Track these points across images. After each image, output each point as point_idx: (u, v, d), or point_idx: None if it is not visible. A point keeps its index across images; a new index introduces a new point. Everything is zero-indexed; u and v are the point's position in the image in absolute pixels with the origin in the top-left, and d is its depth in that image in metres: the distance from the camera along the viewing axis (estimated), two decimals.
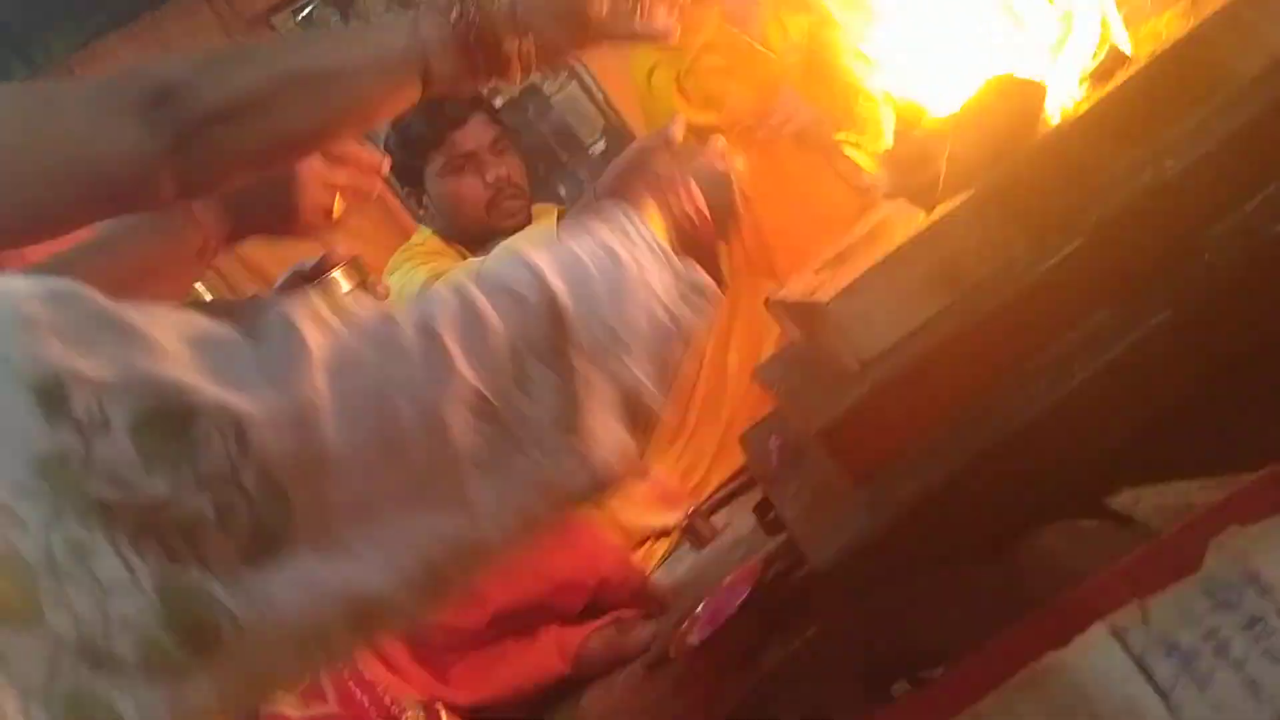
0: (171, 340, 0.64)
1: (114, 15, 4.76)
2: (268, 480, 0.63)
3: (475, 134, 2.34)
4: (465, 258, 2.33)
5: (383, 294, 1.44)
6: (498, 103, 4.87)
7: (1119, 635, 0.40)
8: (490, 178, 2.32)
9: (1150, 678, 0.39)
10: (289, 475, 0.64)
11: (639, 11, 1.10)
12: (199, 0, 4.83)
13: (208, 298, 4.56)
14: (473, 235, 2.38)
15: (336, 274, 1.35)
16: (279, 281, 1.42)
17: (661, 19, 1.12)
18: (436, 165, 2.34)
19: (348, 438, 0.67)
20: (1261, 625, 0.39)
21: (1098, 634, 0.41)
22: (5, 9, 4.20)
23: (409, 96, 1.05)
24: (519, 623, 1.62)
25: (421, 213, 2.46)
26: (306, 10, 4.93)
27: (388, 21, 1.15)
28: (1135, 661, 0.40)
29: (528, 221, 2.41)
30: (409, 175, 2.41)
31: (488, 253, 2.35)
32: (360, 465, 0.67)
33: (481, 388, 0.74)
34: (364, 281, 1.38)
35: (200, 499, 0.60)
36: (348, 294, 1.35)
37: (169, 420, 0.61)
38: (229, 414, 0.63)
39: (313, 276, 1.36)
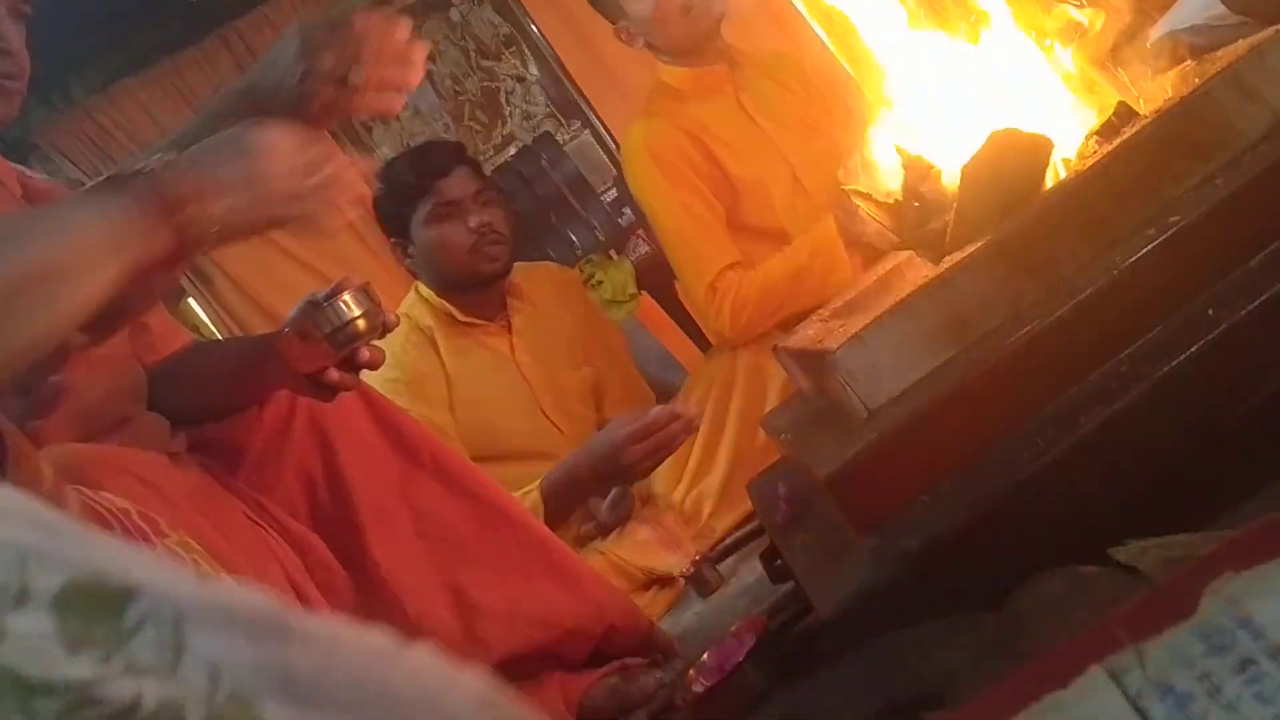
0: None
1: (133, 59, 4.83)
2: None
3: (459, 184, 2.42)
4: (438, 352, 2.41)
5: (393, 324, 1.46)
6: (512, 150, 4.94)
7: (1116, 677, 0.41)
8: (473, 224, 2.40)
9: (1146, 718, 0.40)
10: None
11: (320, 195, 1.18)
12: (217, 45, 4.91)
13: (217, 335, 4.60)
14: (457, 281, 2.45)
15: (346, 298, 1.37)
16: (292, 314, 1.44)
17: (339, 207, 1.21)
18: (422, 213, 2.42)
19: None
20: (1254, 668, 0.39)
21: (1096, 676, 0.41)
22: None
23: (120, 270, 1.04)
24: (523, 670, 1.62)
25: (407, 261, 2.52)
26: None
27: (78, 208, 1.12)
28: (1132, 703, 0.40)
29: (509, 267, 2.48)
30: (395, 224, 2.48)
31: (469, 302, 2.44)
32: None
33: None
34: (373, 308, 1.40)
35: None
36: (358, 318, 1.37)
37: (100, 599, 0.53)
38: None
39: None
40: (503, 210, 2.49)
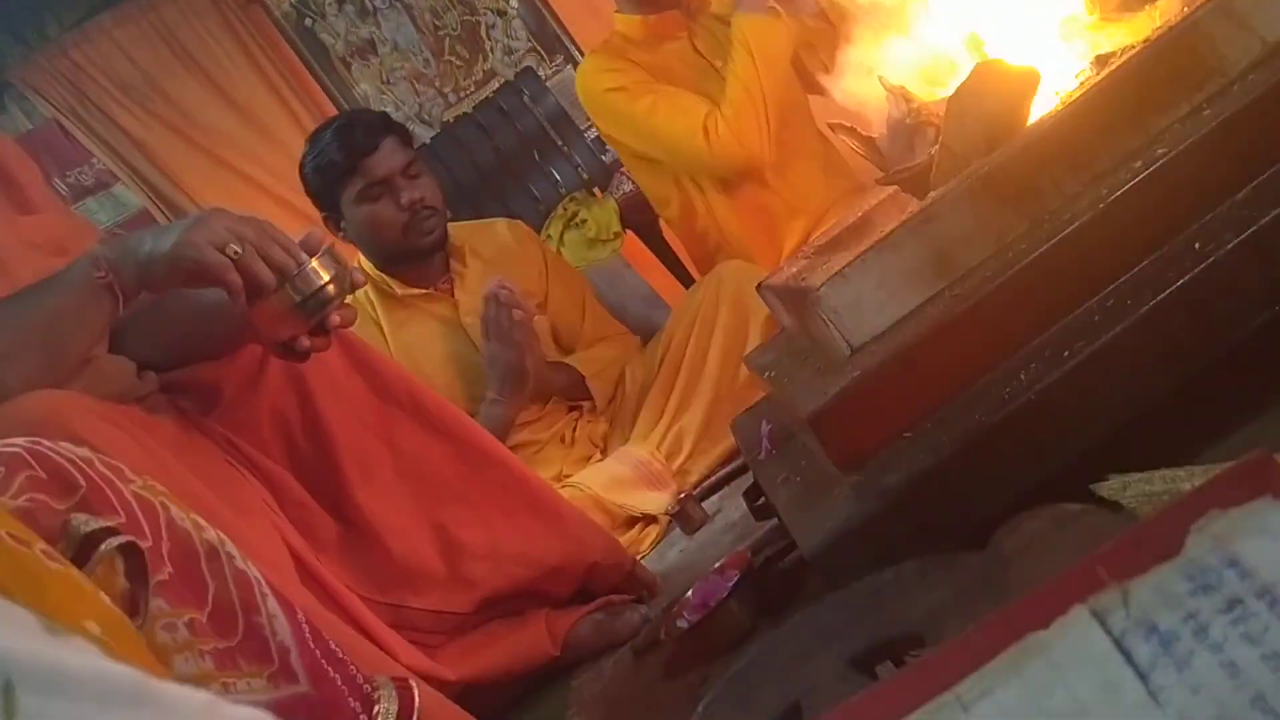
0: None
1: None
2: None
3: (387, 160, 2.38)
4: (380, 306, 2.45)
5: (360, 282, 1.45)
6: (494, 85, 4.87)
7: (1099, 617, 0.40)
8: (404, 201, 2.38)
9: (1130, 659, 0.39)
10: None
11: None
12: None
13: None
14: (392, 255, 2.45)
15: (314, 264, 1.35)
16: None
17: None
18: (352, 192, 2.39)
19: None
20: (1241, 608, 0.39)
21: (1078, 616, 0.41)
22: None
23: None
24: (508, 608, 1.62)
25: (340, 235, 2.49)
26: None
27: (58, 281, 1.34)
28: (1115, 643, 0.40)
29: (444, 237, 2.48)
30: (326, 200, 2.45)
31: (408, 273, 2.47)
32: None
33: None
34: (341, 270, 1.38)
35: None
36: (328, 284, 1.35)
37: None
38: None
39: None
40: (432, 179, 2.47)
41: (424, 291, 2.48)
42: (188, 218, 1.37)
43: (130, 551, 0.92)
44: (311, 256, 1.35)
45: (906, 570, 0.83)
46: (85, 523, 0.91)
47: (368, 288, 2.44)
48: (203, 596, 1.00)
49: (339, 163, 2.37)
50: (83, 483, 0.97)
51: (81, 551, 0.89)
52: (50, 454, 1.00)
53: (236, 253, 1.31)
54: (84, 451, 1.03)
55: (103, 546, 0.89)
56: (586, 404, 2.49)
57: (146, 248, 1.33)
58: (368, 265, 2.48)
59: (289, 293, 1.34)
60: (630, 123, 2.60)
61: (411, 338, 2.44)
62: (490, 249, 2.60)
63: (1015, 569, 0.73)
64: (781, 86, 2.49)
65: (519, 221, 2.84)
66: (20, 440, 1.00)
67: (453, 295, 2.50)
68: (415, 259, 2.45)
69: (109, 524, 0.93)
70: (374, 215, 2.39)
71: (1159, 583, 0.40)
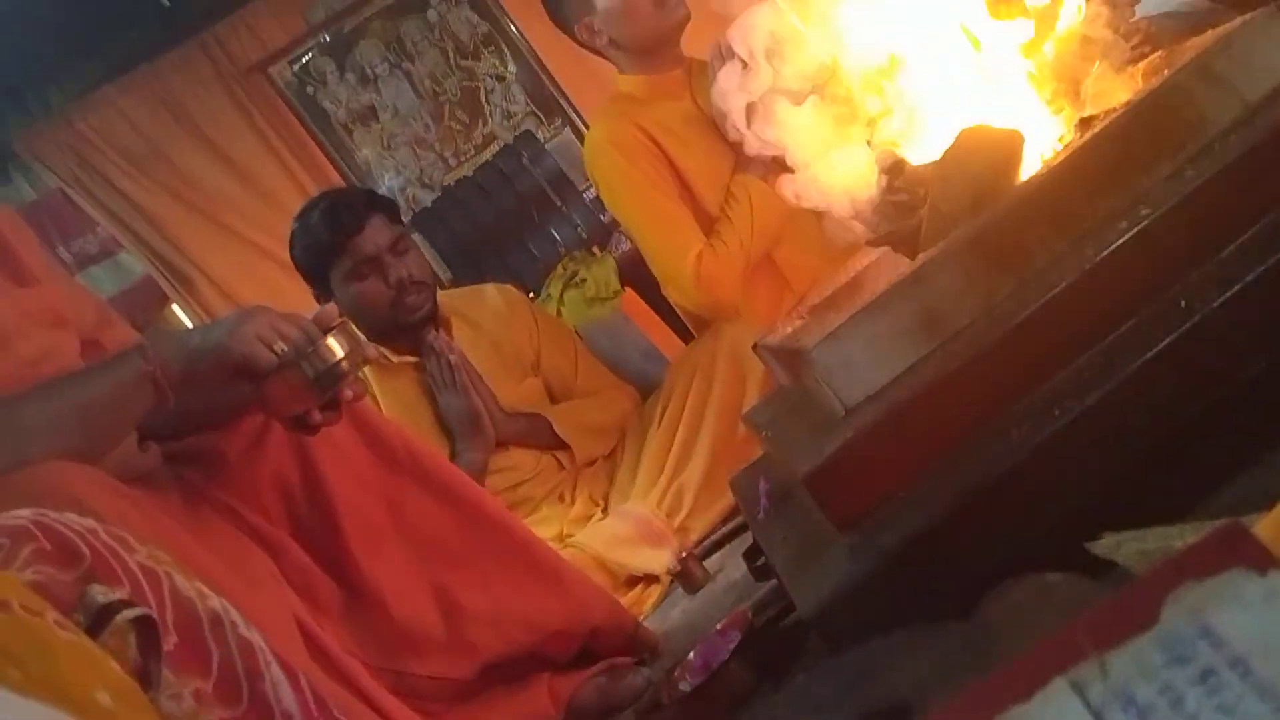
0: None
1: (111, 66, 4.81)
2: None
3: (374, 238, 2.40)
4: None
5: (373, 356, 1.46)
6: (494, 148, 4.93)
7: (1079, 689, 0.41)
8: (392, 279, 2.40)
9: None
10: None
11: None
12: (196, 51, 4.89)
13: None
14: (382, 330, 2.45)
15: (328, 341, 1.37)
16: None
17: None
18: (341, 271, 2.42)
19: None
20: (1214, 679, 0.39)
21: (1058, 688, 0.41)
22: (4, 61, 4.25)
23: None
24: (510, 672, 1.62)
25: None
26: (304, 60, 4.99)
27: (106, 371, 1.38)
28: (1094, 715, 0.40)
29: (434, 309, 2.50)
30: (315, 278, 2.48)
31: (400, 342, 2.49)
32: None
33: None
34: (354, 346, 1.39)
35: None
36: (341, 360, 1.37)
37: None
38: None
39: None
40: (419, 254, 2.51)
41: (415, 360, 2.50)
42: (232, 314, 1.41)
43: (144, 624, 0.93)
44: (325, 332, 1.37)
45: (895, 639, 0.83)
46: (103, 593, 0.92)
47: None
48: (207, 665, 1.01)
49: (327, 243, 2.40)
50: (88, 553, 0.98)
51: (96, 622, 0.90)
52: (55, 525, 1.01)
53: (283, 351, 1.35)
54: (89, 522, 1.03)
55: (117, 618, 0.90)
56: (568, 456, 2.50)
57: (195, 342, 1.37)
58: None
59: (303, 369, 1.36)
60: (625, 216, 2.64)
61: (403, 405, 2.45)
62: (479, 314, 2.62)
63: (1000, 637, 0.74)
64: (772, 240, 2.50)
65: (508, 286, 2.87)
66: (26, 512, 1.01)
67: None
68: (404, 332, 2.47)
69: (125, 596, 0.94)
70: (362, 293, 2.41)
71: (1136, 654, 0.41)
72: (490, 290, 2.75)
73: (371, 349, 1.45)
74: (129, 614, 0.92)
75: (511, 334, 2.61)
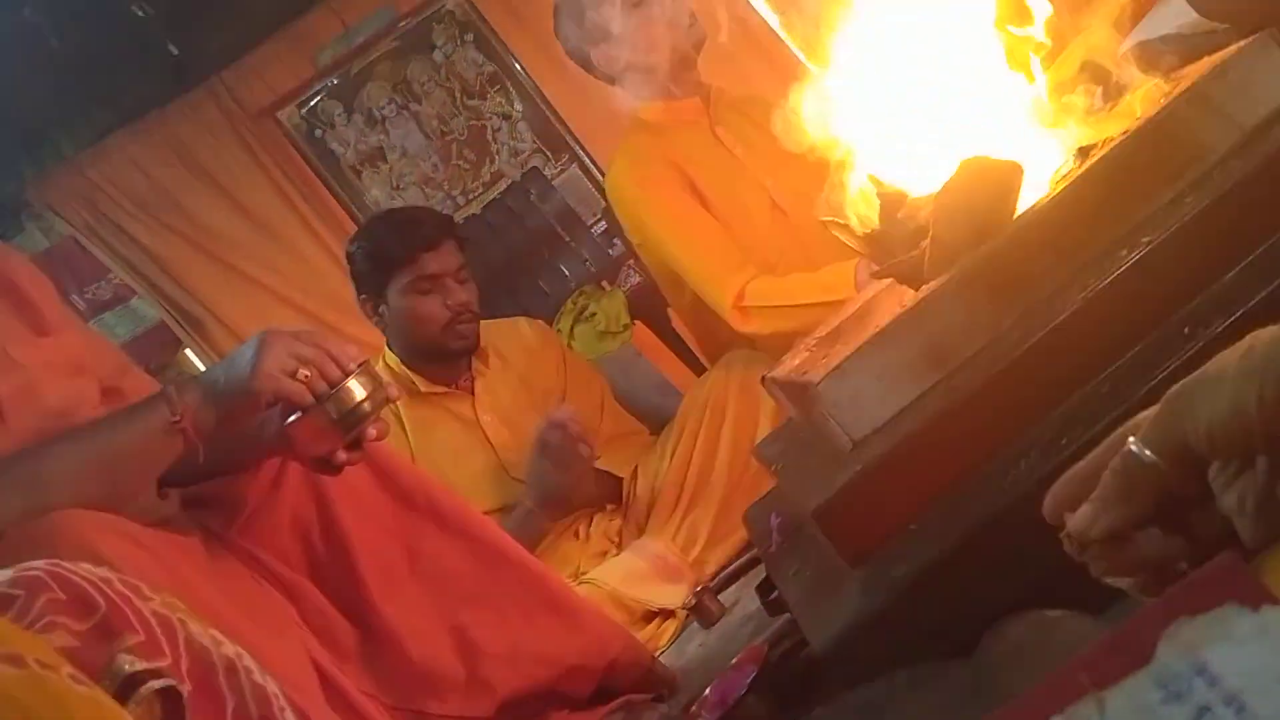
0: None
1: (121, 113, 4.85)
2: None
3: (443, 259, 2.46)
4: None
5: (395, 396, 1.48)
6: (502, 186, 4.96)
7: None
8: (452, 303, 2.46)
9: None
10: None
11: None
12: (205, 97, 4.93)
13: None
14: (423, 351, 2.50)
15: (351, 383, 1.39)
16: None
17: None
18: (402, 282, 2.45)
19: None
20: (1209, 715, 0.40)
21: None
22: (14, 108, 4.29)
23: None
24: (528, 710, 1.62)
25: (375, 319, 2.56)
26: (312, 104, 5.03)
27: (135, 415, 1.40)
28: None
29: (477, 343, 2.54)
30: (371, 284, 2.51)
31: (433, 370, 2.52)
32: None
33: None
34: (377, 386, 1.41)
35: None
36: (364, 400, 1.39)
37: None
38: None
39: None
40: (475, 288, 2.54)
41: (445, 390, 2.51)
42: (247, 345, 1.41)
43: (170, 695, 0.94)
44: (347, 374, 1.39)
45: (898, 680, 0.83)
46: (131, 663, 0.93)
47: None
48: (221, 712, 1.02)
49: (397, 251, 2.45)
50: (102, 603, 0.99)
51: (123, 691, 0.91)
52: (70, 575, 1.02)
53: (306, 377, 1.37)
54: (103, 571, 1.04)
55: (143, 688, 0.91)
56: (611, 505, 2.51)
57: (221, 384, 1.39)
58: (392, 360, 2.53)
59: (327, 410, 1.38)
60: (657, 246, 2.62)
61: (431, 435, 2.48)
62: (511, 347, 2.65)
63: (1001, 676, 0.74)
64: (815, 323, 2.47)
65: (539, 321, 2.91)
66: (40, 563, 1.02)
67: (472, 393, 2.55)
68: (444, 358, 2.51)
69: (154, 666, 0.95)
70: (418, 309, 2.45)
71: (1132, 691, 0.41)
72: (523, 324, 2.80)
73: (394, 389, 1.47)
74: (154, 685, 0.93)
75: (540, 369, 2.64)
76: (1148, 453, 0.62)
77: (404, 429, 2.46)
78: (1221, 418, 0.59)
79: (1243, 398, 0.58)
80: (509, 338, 2.68)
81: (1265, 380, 0.57)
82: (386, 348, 2.58)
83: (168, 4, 4.42)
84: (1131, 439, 0.64)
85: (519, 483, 2.44)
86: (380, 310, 2.51)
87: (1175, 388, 0.63)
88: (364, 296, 2.54)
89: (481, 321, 2.64)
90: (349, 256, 2.57)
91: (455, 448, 2.48)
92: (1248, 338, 0.61)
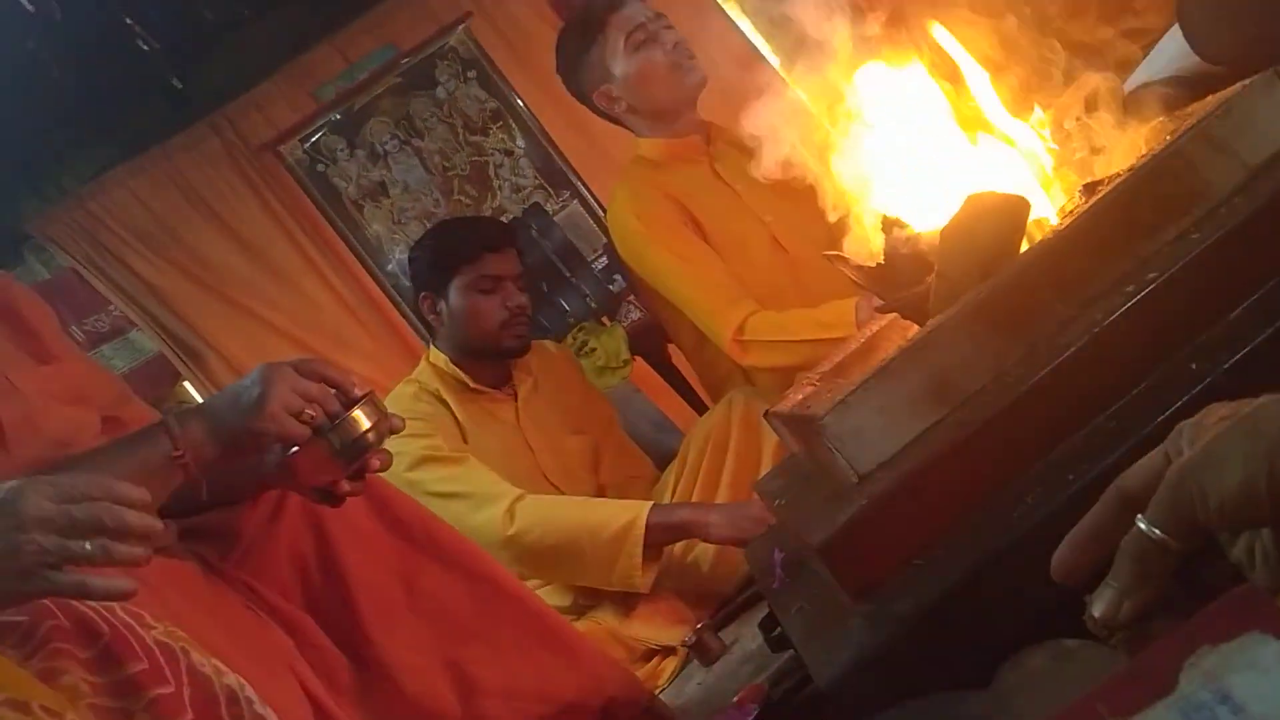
0: None
1: (123, 147, 4.88)
2: None
3: (506, 262, 2.59)
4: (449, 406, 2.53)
5: (398, 427, 1.47)
6: (502, 220, 4.98)
7: None
8: (511, 304, 2.56)
9: None
10: None
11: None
12: (207, 131, 4.95)
13: None
14: (477, 349, 2.59)
15: (355, 414, 1.38)
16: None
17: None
18: (465, 279, 2.56)
19: None
20: None
21: None
22: (16, 140, 4.31)
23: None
24: None
25: (432, 318, 2.63)
26: (314, 139, 5.05)
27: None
28: None
29: (527, 349, 2.64)
30: (433, 280, 2.61)
31: (480, 371, 2.56)
32: None
33: None
34: (380, 418, 1.41)
35: None
36: (368, 431, 1.38)
37: None
38: None
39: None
40: (530, 299, 2.65)
41: (491, 391, 2.58)
42: (252, 380, 1.40)
43: None
44: (352, 404, 1.39)
45: (911, 711, 0.82)
46: None
47: (435, 379, 2.56)
48: None
49: (465, 249, 2.57)
50: (105, 630, 0.99)
51: None
52: (72, 603, 1.01)
53: (311, 417, 1.37)
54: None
55: None
56: None
57: (224, 420, 1.39)
58: (439, 358, 2.60)
59: (330, 441, 1.37)
60: (658, 279, 2.65)
61: (480, 430, 2.53)
62: (542, 364, 2.73)
63: (1018, 706, 0.73)
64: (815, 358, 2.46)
65: (564, 345, 3.00)
66: None
67: (515, 397, 2.62)
68: (493, 358, 2.59)
69: None
70: (479, 305, 2.55)
71: None
72: (550, 345, 2.91)
73: (398, 420, 1.47)
74: None
75: (566, 387, 2.72)
76: (1157, 531, 0.63)
77: (456, 421, 2.51)
78: (1232, 495, 0.60)
79: (1252, 477, 0.60)
80: (539, 355, 2.76)
81: (1274, 459, 0.59)
82: (432, 347, 2.65)
83: (172, 38, 4.45)
84: (1140, 520, 0.65)
85: (553, 487, 2.49)
86: (439, 308, 2.59)
87: (1179, 466, 0.64)
88: (424, 294, 2.62)
89: None
90: (412, 257, 2.71)
91: (498, 445, 2.53)
92: (1249, 411, 0.62)
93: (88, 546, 1.03)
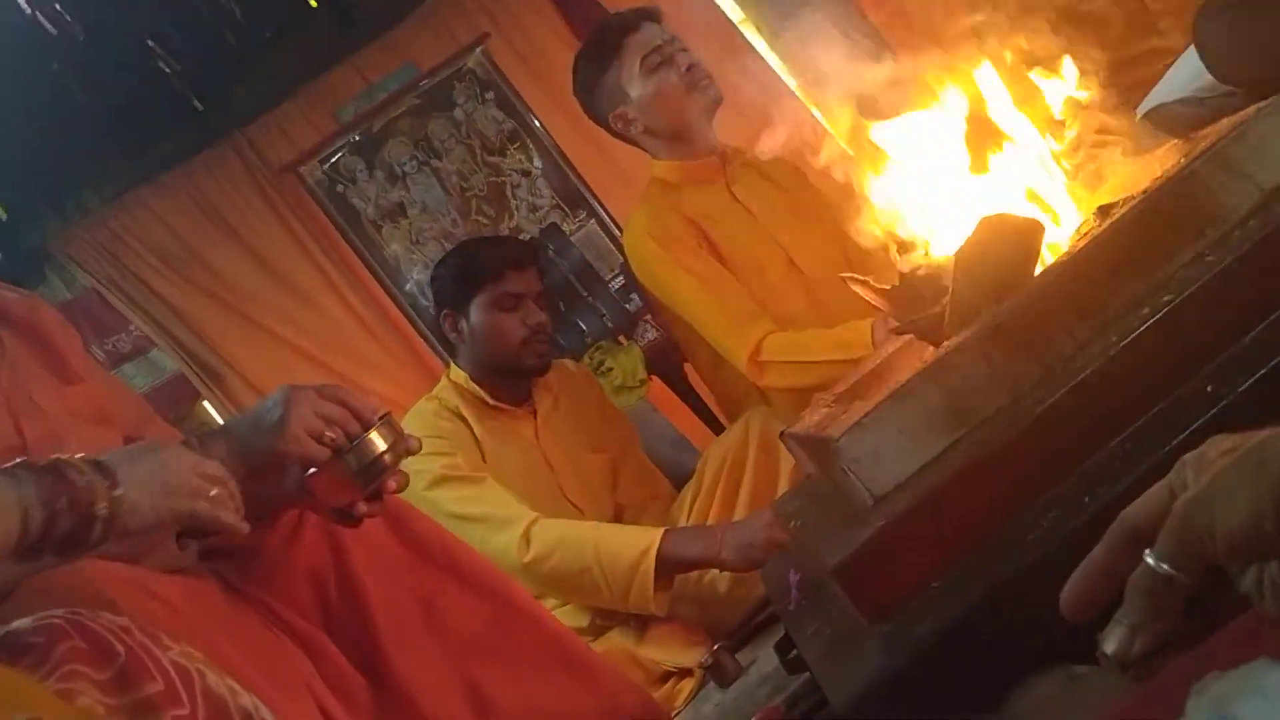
0: None
1: (145, 167, 4.92)
2: None
3: (529, 280, 2.60)
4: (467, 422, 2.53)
5: (415, 449, 1.48)
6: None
7: None
8: (531, 322, 2.57)
9: None
10: None
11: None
12: (228, 152, 4.99)
13: None
14: (497, 366, 2.59)
15: (372, 435, 1.39)
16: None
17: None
18: (487, 296, 2.57)
19: None
20: None
21: None
22: (39, 160, 4.35)
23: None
24: None
25: (453, 335, 2.65)
26: (334, 159, 5.09)
27: None
28: None
29: (548, 365, 2.64)
30: (455, 298, 2.62)
31: (499, 388, 2.56)
32: None
33: None
34: (397, 439, 1.42)
35: None
36: (385, 452, 1.39)
37: None
38: None
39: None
40: (550, 318, 2.66)
41: (511, 408, 2.59)
42: (274, 402, 1.41)
43: None
44: (369, 426, 1.40)
45: None
46: None
47: (455, 396, 2.56)
48: None
49: (489, 267, 2.58)
50: (121, 651, 0.99)
51: None
52: (89, 624, 1.02)
53: (332, 440, 1.38)
54: (123, 620, 1.05)
55: None
56: None
57: (246, 442, 1.39)
58: (459, 376, 2.60)
59: (348, 462, 1.38)
60: (675, 300, 2.65)
61: (500, 447, 2.53)
62: (562, 383, 2.73)
63: None
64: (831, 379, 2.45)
65: (583, 364, 2.99)
66: (59, 611, 1.02)
67: (534, 415, 2.62)
68: (514, 375, 2.60)
69: None
70: (500, 323, 2.56)
71: None
72: (570, 364, 2.92)
73: (414, 442, 1.47)
74: None
75: (586, 405, 2.72)
76: (1165, 566, 0.64)
77: (475, 437, 2.52)
78: (1240, 530, 0.61)
79: (1260, 511, 0.60)
80: (559, 373, 2.76)
81: None
82: (453, 365, 2.66)
83: (193, 59, 4.49)
84: (1149, 555, 0.65)
85: (572, 505, 2.50)
86: (460, 326, 2.60)
87: (1185, 500, 0.64)
88: (446, 312, 2.63)
89: None
90: (434, 275, 2.72)
91: (517, 462, 2.53)
92: (1254, 444, 0.63)
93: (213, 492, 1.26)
